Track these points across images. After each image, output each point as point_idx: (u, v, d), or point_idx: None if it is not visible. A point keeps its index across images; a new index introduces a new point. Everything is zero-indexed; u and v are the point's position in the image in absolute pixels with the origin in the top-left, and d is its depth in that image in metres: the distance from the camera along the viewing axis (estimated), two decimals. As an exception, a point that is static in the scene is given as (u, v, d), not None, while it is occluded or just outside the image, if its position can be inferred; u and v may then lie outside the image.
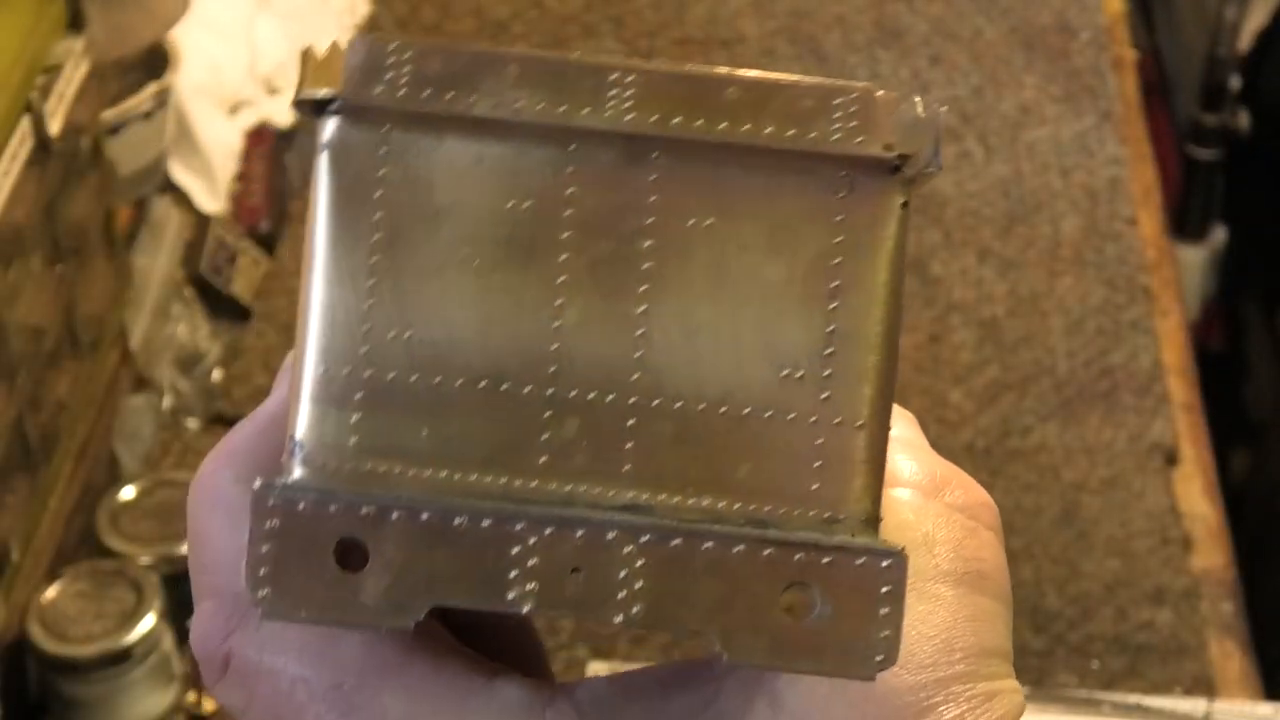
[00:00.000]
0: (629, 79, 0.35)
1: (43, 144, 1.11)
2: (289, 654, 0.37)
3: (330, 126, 0.35)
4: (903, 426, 0.40)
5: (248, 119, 1.58)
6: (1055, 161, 1.67)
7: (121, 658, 1.11)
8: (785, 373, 0.35)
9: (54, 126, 1.12)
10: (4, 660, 1.11)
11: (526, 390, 0.35)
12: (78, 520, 1.21)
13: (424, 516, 0.34)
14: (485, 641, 0.40)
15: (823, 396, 0.35)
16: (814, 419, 0.35)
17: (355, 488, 0.34)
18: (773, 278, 0.35)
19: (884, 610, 0.34)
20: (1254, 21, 1.91)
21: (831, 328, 0.35)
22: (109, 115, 1.29)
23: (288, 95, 1.64)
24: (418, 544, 0.34)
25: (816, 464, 0.35)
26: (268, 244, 1.56)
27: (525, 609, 0.34)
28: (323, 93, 0.35)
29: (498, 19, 1.82)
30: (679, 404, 0.35)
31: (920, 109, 0.36)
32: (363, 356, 0.35)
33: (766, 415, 0.35)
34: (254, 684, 0.38)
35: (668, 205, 0.35)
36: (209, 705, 1.16)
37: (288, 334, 1.46)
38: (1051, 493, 1.35)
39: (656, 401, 0.35)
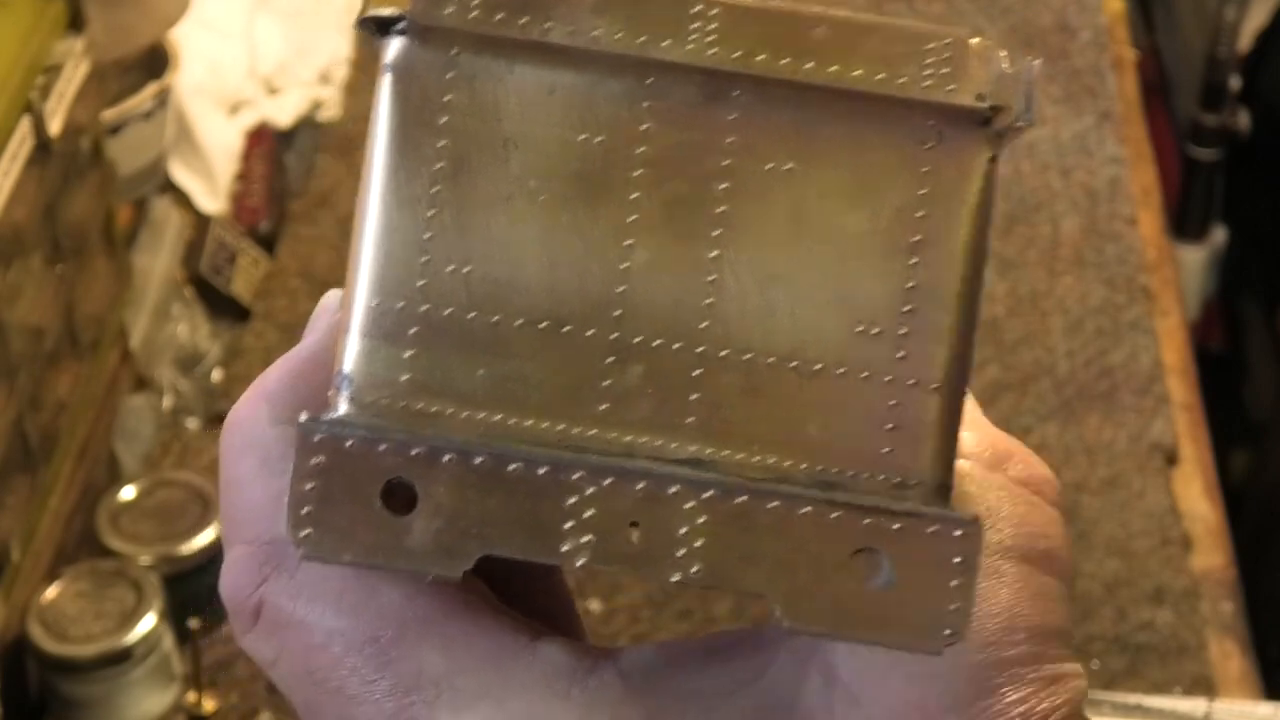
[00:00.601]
0: (713, 12, 0.34)
1: (43, 144, 1.11)
2: (325, 604, 0.36)
3: (395, 47, 0.34)
4: None
5: (248, 119, 1.58)
6: (1055, 161, 1.67)
7: (121, 658, 1.11)
8: (860, 328, 0.34)
9: (54, 126, 1.12)
10: (4, 660, 1.11)
11: (589, 334, 0.33)
12: (78, 520, 1.21)
13: (477, 460, 0.32)
14: (522, 602, 0.38)
15: (899, 355, 0.34)
16: (888, 379, 0.34)
17: (406, 427, 0.33)
18: (853, 228, 0.34)
19: (955, 582, 0.33)
20: (1254, 21, 1.91)
21: (911, 284, 0.34)
22: (109, 115, 1.29)
23: (288, 95, 1.64)
24: (470, 489, 0.32)
25: (889, 426, 0.33)
26: (268, 244, 1.56)
27: (580, 562, 0.32)
28: (388, 11, 0.33)
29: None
30: (748, 356, 0.33)
31: (1006, 63, 0.34)
32: (419, 290, 0.33)
33: (839, 372, 0.33)
34: (285, 635, 0.36)
35: (746, 147, 0.34)
36: (209, 705, 1.16)
37: (288, 334, 1.46)
38: (1051, 493, 1.35)
39: (724, 352, 0.33)
